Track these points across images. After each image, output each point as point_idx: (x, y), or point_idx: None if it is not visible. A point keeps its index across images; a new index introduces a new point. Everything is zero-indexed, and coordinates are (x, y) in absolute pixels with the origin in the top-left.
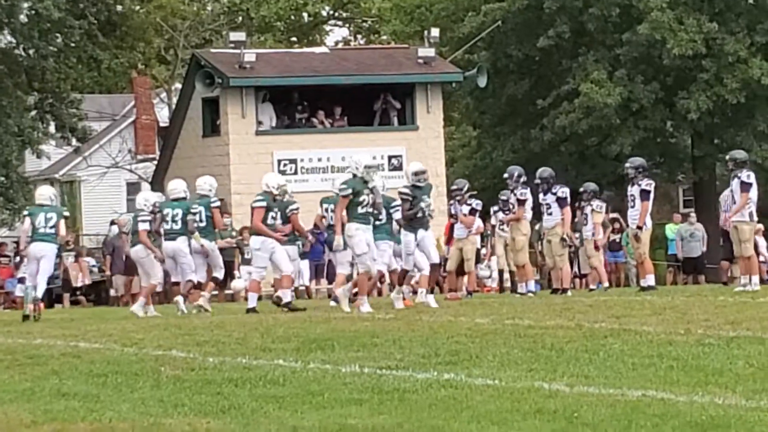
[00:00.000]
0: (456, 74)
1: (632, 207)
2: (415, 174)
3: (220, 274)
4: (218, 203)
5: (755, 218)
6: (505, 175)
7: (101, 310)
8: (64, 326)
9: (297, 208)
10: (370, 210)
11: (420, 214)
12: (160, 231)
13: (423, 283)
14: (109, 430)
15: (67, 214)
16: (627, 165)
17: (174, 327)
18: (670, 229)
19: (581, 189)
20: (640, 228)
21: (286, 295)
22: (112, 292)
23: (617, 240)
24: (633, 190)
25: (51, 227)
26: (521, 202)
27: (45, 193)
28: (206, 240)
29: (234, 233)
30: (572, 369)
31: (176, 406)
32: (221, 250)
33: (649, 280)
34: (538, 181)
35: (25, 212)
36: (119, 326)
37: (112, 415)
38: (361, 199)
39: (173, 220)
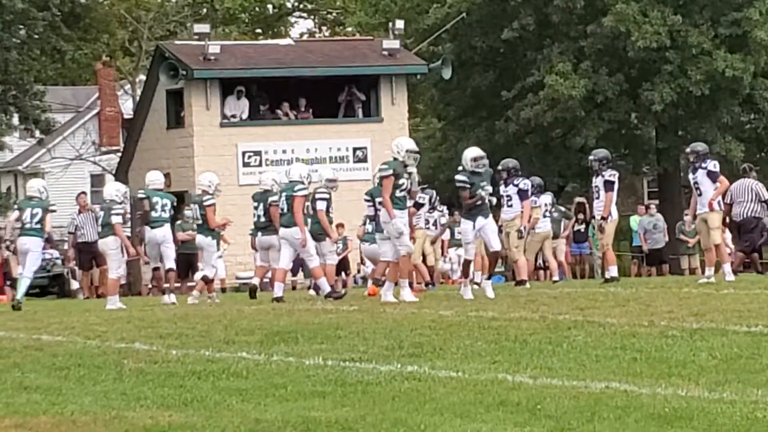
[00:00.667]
0: (421, 66)
1: (597, 198)
2: (474, 160)
3: (210, 272)
4: (213, 201)
5: (722, 206)
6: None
7: (63, 303)
8: (27, 319)
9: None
10: (407, 195)
11: (480, 202)
12: (147, 219)
13: (484, 269)
14: (71, 423)
15: (53, 208)
16: (591, 157)
17: (137, 320)
18: (635, 221)
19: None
20: (604, 219)
21: (280, 289)
22: (74, 285)
23: (582, 231)
24: (597, 182)
25: (36, 222)
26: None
27: (34, 186)
28: (202, 236)
29: (195, 226)
30: (536, 361)
31: (139, 399)
32: (183, 242)
33: (612, 271)
34: (501, 171)
35: (15, 205)
36: (82, 319)
37: (75, 408)
38: (400, 182)
39: (162, 209)
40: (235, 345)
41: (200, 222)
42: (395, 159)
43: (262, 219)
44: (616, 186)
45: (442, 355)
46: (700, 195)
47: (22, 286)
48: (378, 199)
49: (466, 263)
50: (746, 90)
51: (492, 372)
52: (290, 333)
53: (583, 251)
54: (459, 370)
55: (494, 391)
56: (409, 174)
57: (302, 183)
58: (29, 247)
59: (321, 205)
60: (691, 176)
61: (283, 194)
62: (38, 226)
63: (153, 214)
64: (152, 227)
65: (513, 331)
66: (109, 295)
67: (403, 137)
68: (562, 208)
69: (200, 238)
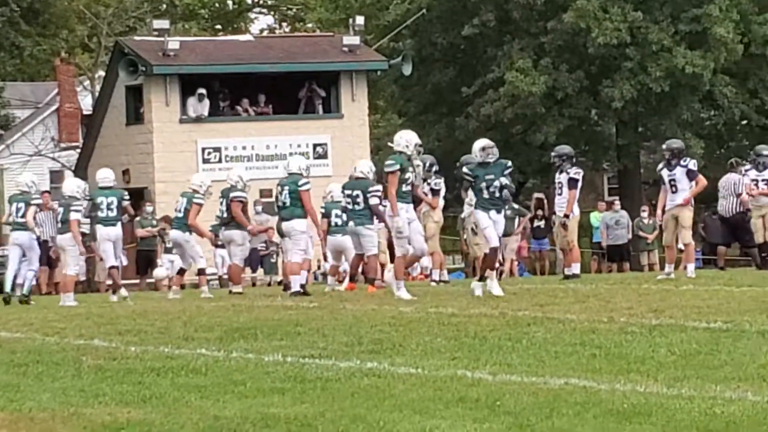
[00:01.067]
0: (381, 62)
1: (559, 195)
2: (482, 149)
3: (201, 263)
4: (202, 201)
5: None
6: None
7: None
8: None
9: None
10: (410, 189)
11: (486, 195)
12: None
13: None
14: (29, 420)
15: (36, 201)
16: (553, 153)
17: (96, 316)
18: (595, 217)
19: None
20: (567, 216)
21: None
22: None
23: (541, 227)
24: (561, 178)
25: (21, 216)
26: (435, 192)
27: (22, 180)
28: (179, 231)
29: (155, 222)
30: (495, 357)
31: (97, 395)
32: (142, 239)
33: (575, 268)
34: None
35: (7, 200)
36: (41, 315)
37: (33, 404)
38: (405, 176)
39: (108, 208)
40: (194, 342)
41: (181, 215)
42: (400, 153)
43: (225, 215)
44: (579, 184)
45: (401, 352)
46: (675, 192)
47: (28, 279)
48: (355, 192)
49: (493, 252)
50: (706, 87)
51: (451, 368)
52: (249, 329)
53: (543, 247)
54: (418, 367)
55: (453, 387)
56: (415, 168)
57: (303, 175)
58: (19, 241)
59: None
60: (666, 173)
61: (285, 188)
62: (23, 219)
63: (100, 213)
64: (105, 226)
65: (472, 327)
66: (64, 292)
67: (407, 131)
68: (516, 206)
69: (177, 234)
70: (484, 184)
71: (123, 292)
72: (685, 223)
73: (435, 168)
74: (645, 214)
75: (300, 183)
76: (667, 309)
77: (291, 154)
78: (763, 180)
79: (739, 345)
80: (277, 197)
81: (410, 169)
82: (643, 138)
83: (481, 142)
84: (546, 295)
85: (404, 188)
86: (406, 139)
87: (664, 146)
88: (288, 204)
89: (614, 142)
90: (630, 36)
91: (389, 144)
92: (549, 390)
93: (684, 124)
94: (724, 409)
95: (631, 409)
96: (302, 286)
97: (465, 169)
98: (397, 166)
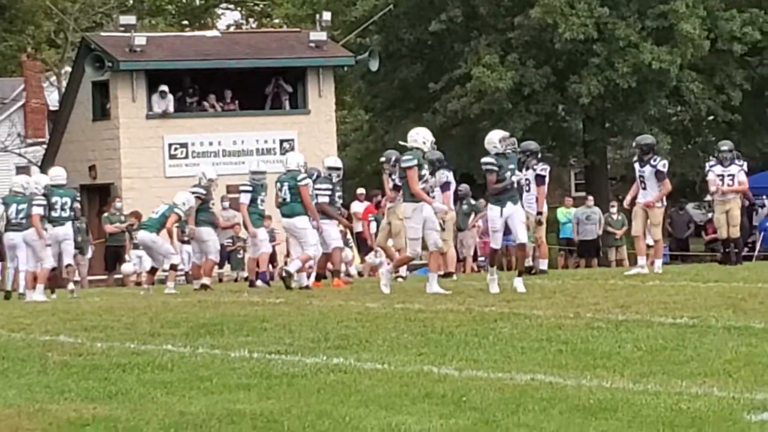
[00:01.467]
0: (348, 58)
1: (527, 192)
2: (502, 140)
3: (174, 259)
4: (181, 214)
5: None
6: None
7: None
8: None
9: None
10: (427, 186)
11: (509, 186)
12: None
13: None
14: None
15: (39, 202)
16: (519, 149)
17: (62, 312)
18: (562, 213)
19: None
20: (540, 213)
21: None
22: None
23: None
24: (528, 175)
25: (21, 217)
26: (396, 188)
27: (17, 182)
28: (146, 232)
29: (123, 218)
30: (462, 353)
31: (63, 391)
32: (111, 235)
33: (543, 264)
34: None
35: (0, 200)
36: (6, 311)
37: None
38: (422, 173)
39: (62, 208)
40: (160, 337)
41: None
42: (416, 149)
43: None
44: (547, 180)
45: (368, 348)
46: (644, 189)
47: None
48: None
49: (493, 252)
50: (673, 82)
51: (418, 364)
52: (216, 325)
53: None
54: (385, 363)
55: (420, 383)
56: (429, 164)
57: (300, 171)
58: (16, 242)
59: (244, 198)
60: (638, 167)
61: (285, 184)
62: (23, 220)
63: (53, 213)
64: (54, 225)
65: (439, 323)
66: (37, 284)
67: (421, 128)
68: (473, 201)
69: (144, 235)
70: (507, 174)
71: (71, 286)
72: (655, 220)
73: (445, 163)
74: (614, 210)
75: (299, 178)
76: (634, 305)
77: (258, 150)
78: (728, 175)
79: (705, 341)
80: (276, 194)
81: (425, 165)
82: (610, 134)
83: (498, 133)
84: (512, 290)
85: (421, 185)
86: (422, 136)
87: (633, 143)
88: (288, 200)
89: (581, 137)
90: (597, 32)
91: (401, 143)
92: (515, 386)
93: (651, 120)
94: (690, 404)
95: (597, 404)
96: (318, 275)
97: (487, 159)
98: (415, 161)
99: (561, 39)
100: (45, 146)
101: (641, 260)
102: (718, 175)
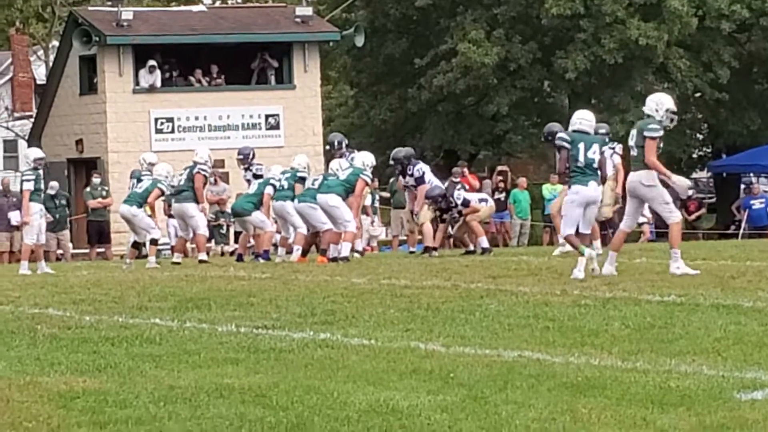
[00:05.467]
0: (333, 33)
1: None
2: (582, 120)
3: (155, 234)
4: (164, 188)
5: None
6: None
7: None
8: None
9: None
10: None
11: (582, 163)
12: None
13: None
14: None
15: (27, 177)
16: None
17: (50, 285)
18: (547, 190)
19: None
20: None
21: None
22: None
23: (501, 199)
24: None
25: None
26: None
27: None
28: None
29: (104, 193)
30: (448, 329)
31: (53, 364)
32: (93, 210)
33: (483, 242)
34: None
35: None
36: None
37: None
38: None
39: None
40: (148, 311)
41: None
42: (654, 118)
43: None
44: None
45: (354, 323)
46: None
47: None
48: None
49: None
50: (660, 59)
51: (404, 340)
52: (203, 300)
53: (505, 219)
54: (371, 338)
55: (407, 359)
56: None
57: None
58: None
59: (270, 190)
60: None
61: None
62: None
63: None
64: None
65: (425, 299)
66: (22, 260)
67: (662, 94)
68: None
69: (125, 209)
70: (581, 152)
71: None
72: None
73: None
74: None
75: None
76: (621, 282)
77: (243, 125)
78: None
79: (693, 319)
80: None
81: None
82: (597, 110)
83: (585, 114)
84: (499, 267)
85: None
86: (658, 103)
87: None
88: (287, 188)
89: (567, 113)
90: (584, 7)
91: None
92: (503, 362)
93: (637, 96)
94: (679, 383)
95: (585, 382)
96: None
97: (563, 135)
98: (661, 132)
99: (547, 14)
100: (32, 120)
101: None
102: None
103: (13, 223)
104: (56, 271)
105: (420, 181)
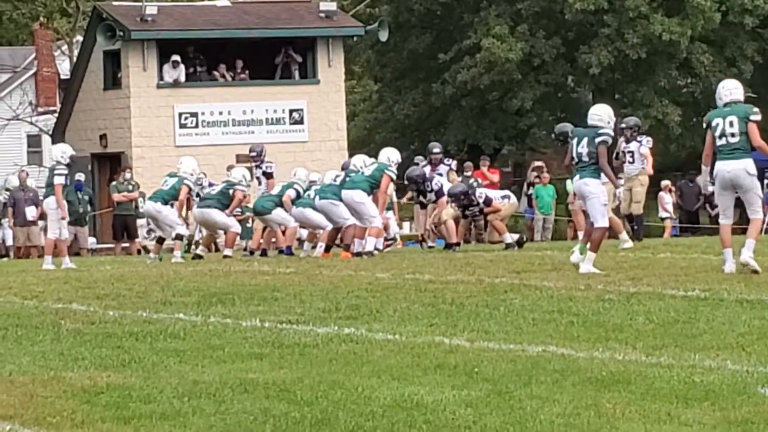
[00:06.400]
0: (357, 28)
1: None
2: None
3: (180, 230)
4: (191, 184)
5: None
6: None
7: (1, 263)
8: None
9: None
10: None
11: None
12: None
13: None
14: (9, 383)
15: (60, 172)
16: (623, 125)
17: (74, 280)
18: (571, 184)
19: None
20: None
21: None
22: (9, 244)
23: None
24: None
25: (47, 185)
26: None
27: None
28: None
29: (131, 187)
30: (473, 324)
31: (77, 359)
32: (119, 204)
33: (507, 238)
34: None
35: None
36: (19, 279)
37: (13, 368)
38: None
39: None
40: (172, 306)
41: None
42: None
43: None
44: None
45: (379, 318)
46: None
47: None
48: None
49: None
50: (683, 54)
51: (429, 335)
52: (227, 294)
53: (527, 215)
54: (396, 333)
55: (431, 354)
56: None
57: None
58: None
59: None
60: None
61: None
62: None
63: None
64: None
65: (450, 294)
66: (45, 254)
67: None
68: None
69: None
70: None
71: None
72: (636, 197)
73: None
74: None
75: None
76: (645, 277)
77: (267, 119)
78: (629, 152)
79: (717, 313)
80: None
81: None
82: (621, 105)
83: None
84: (523, 262)
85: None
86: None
87: (623, 124)
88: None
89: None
90: (607, 2)
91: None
92: (527, 357)
93: (661, 92)
94: (703, 377)
95: (609, 377)
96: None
97: (609, 132)
98: None
99: (571, 9)
100: (56, 115)
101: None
102: (622, 152)
103: (29, 218)
104: (80, 266)
105: (440, 193)
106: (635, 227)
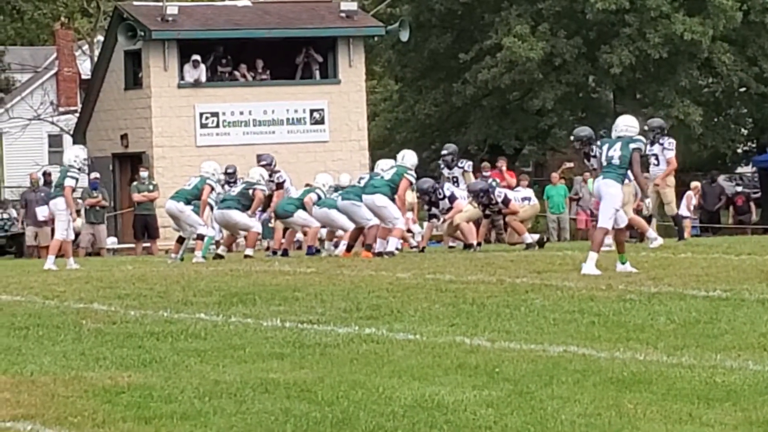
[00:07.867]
0: (378, 28)
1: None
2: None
3: (201, 230)
4: (214, 184)
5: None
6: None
7: (22, 263)
8: None
9: None
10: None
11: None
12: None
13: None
14: (30, 383)
15: (72, 175)
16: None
17: (95, 280)
18: (591, 184)
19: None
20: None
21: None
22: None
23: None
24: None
25: (56, 186)
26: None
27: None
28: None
29: (151, 187)
30: (493, 324)
31: (98, 359)
32: (139, 204)
33: (527, 238)
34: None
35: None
36: (40, 279)
37: (34, 368)
38: None
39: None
40: (193, 306)
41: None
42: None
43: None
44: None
45: (399, 318)
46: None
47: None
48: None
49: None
50: (705, 54)
51: (450, 335)
52: (248, 294)
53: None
54: (417, 333)
55: (452, 354)
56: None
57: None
58: (56, 208)
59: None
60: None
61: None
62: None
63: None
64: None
65: (470, 294)
66: (49, 254)
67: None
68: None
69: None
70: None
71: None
72: (666, 198)
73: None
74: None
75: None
76: (666, 277)
77: (288, 119)
78: (652, 154)
79: (738, 314)
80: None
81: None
82: (642, 105)
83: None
84: (544, 262)
85: None
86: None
87: (646, 126)
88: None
89: (612, 108)
90: (629, 2)
91: None
92: (548, 357)
93: (682, 91)
94: (725, 378)
95: (631, 377)
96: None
97: (643, 138)
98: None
99: (593, 9)
100: (77, 115)
101: (651, 233)
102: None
103: (40, 218)
104: (101, 266)
105: (453, 198)
106: (677, 228)
